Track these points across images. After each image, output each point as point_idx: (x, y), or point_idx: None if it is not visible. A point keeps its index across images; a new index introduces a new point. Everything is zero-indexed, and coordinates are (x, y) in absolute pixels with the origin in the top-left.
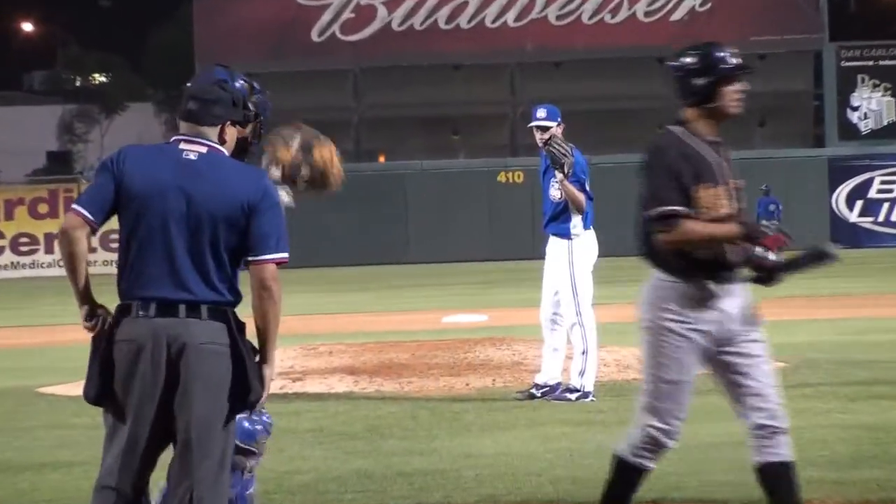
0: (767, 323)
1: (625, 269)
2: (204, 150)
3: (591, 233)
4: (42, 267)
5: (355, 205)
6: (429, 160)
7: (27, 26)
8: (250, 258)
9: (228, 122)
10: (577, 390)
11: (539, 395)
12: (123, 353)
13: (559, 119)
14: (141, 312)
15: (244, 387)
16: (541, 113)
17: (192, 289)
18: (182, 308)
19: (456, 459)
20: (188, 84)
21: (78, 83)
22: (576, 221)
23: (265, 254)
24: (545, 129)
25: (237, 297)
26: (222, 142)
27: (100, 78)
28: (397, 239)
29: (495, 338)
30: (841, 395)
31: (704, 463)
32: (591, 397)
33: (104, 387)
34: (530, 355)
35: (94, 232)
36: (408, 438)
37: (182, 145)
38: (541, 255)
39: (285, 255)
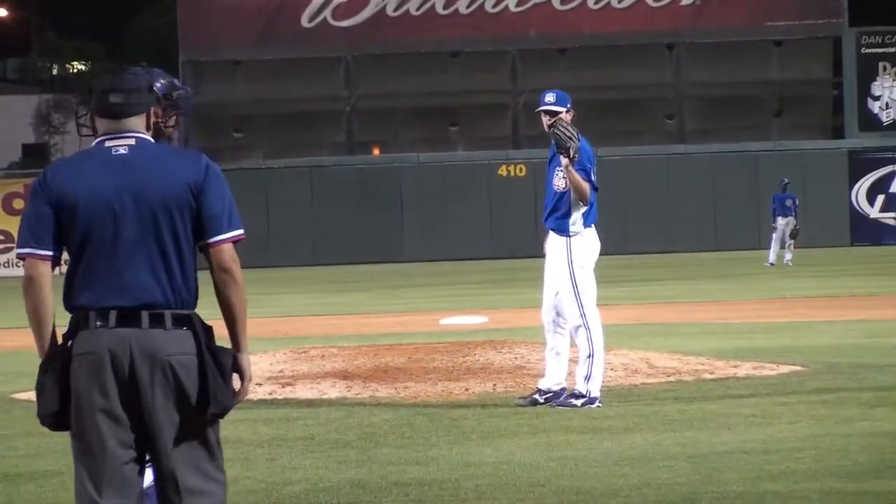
0: (787, 325)
1: (633, 267)
2: (132, 141)
3: (592, 230)
4: (17, 266)
5: (348, 200)
6: (425, 153)
7: (1, 11)
8: (207, 241)
9: (151, 110)
10: (583, 396)
11: (542, 400)
12: (83, 367)
13: (569, 105)
14: (99, 323)
15: (205, 399)
16: (549, 97)
17: (154, 294)
18: (145, 316)
19: (455, 469)
20: (97, 81)
21: (55, 71)
22: (575, 218)
23: (220, 233)
24: (553, 114)
25: (197, 298)
26: (148, 129)
27: (78, 66)
28: (392, 236)
29: (496, 341)
30: (862, 401)
31: (716, 472)
32: (597, 403)
33: (64, 407)
34: (533, 359)
35: (55, 266)
36: (404, 447)
37: (108, 143)
38: (544, 254)
39: (240, 231)
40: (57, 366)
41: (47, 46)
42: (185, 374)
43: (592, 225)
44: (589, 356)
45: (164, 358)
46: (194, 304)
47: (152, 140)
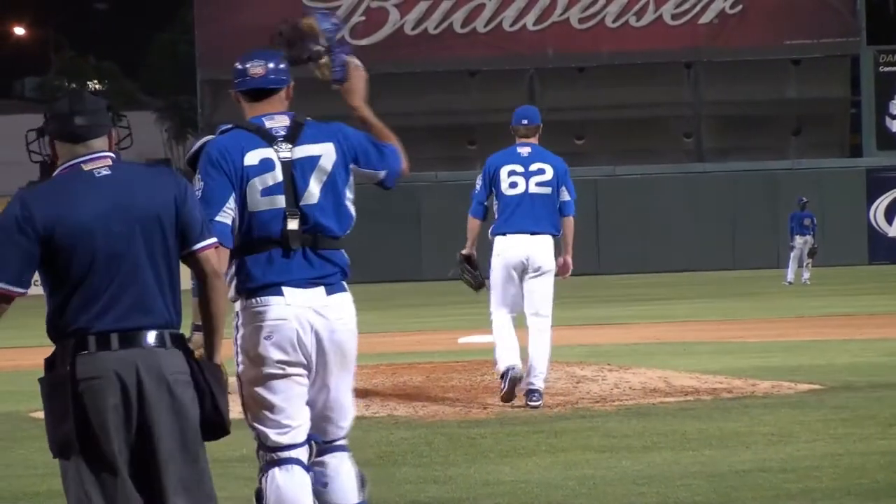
0: (805, 344)
1: (651, 286)
2: (108, 162)
3: (503, 238)
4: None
5: (365, 219)
6: (444, 171)
7: (19, 30)
8: (193, 249)
9: (111, 131)
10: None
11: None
12: (90, 392)
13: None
14: (100, 346)
15: (217, 417)
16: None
17: (154, 313)
18: (150, 336)
19: (473, 487)
20: (56, 105)
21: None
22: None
23: (204, 239)
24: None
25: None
26: (110, 149)
27: (95, 85)
28: (411, 255)
29: None
30: (881, 419)
31: (735, 491)
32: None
33: (80, 433)
34: (551, 378)
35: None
36: (422, 465)
37: (86, 166)
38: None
39: (216, 238)
40: (64, 390)
41: (65, 65)
42: (186, 393)
43: (501, 235)
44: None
45: (168, 377)
46: (181, 322)
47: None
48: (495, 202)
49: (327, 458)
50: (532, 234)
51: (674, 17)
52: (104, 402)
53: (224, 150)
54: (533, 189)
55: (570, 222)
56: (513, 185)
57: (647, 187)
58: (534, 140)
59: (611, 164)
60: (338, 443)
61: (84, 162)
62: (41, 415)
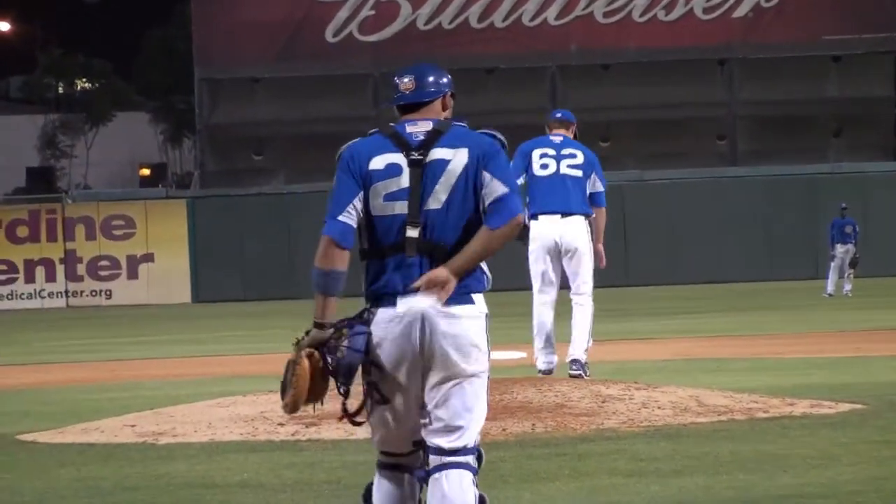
0: (846, 360)
1: (681, 298)
2: None
3: (536, 222)
4: (21, 298)
5: None
6: None
7: (3, 25)
8: None
9: None
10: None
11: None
12: None
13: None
14: None
15: None
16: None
17: None
18: None
19: None
20: None
21: (60, 90)
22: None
23: None
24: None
25: None
26: None
27: (84, 84)
28: None
29: (535, 377)
30: None
31: None
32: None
33: None
34: (574, 397)
35: None
36: None
37: None
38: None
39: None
40: None
41: (52, 63)
42: None
43: (533, 219)
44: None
45: None
46: None
47: None
48: (527, 186)
49: (440, 473)
50: (563, 215)
51: (706, 10)
52: None
53: (355, 153)
54: (564, 170)
55: (602, 213)
56: (544, 166)
57: (677, 193)
58: (567, 133)
59: (638, 169)
60: (453, 458)
61: None
62: (30, 437)
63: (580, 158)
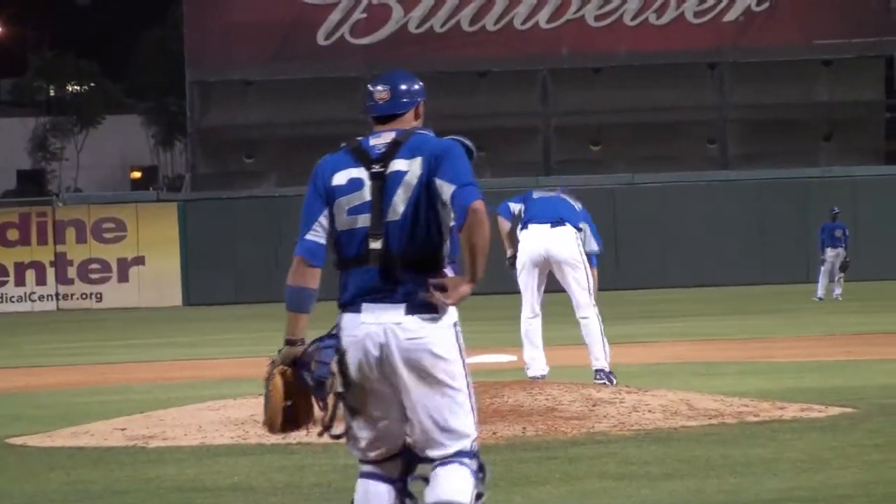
0: (836, 364)
1: (672, 302)
2: None
3: (526, 232)
4: (11, 301)
5: None
6: None
7: None
8: None
9: None
10: None
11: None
12: None
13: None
14: None
15: None
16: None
17: None
18: None
19: None
20: None
21: (52, 92)
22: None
23: None
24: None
25: None
26: None
27: (75, 87)
28: None
29: (525, 381)
30: None
31: None
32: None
33: None
34: (565, 400)
35: None
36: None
37: None
38: None
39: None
40: None
41: (43, 66)
42: None
43: (524, 229)
44: None
45: None
46: None
47: None
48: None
49: (436, 469)
50: (553, 224)
51: (696, 14)
52: None
53: (319, 169)
54: (562, 196)
55: (593, 273)
56: (542, 195)
57: (667, 197)
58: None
59: (629, 172)
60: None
61: None
62: (19, 440)
63: (577, 205)
